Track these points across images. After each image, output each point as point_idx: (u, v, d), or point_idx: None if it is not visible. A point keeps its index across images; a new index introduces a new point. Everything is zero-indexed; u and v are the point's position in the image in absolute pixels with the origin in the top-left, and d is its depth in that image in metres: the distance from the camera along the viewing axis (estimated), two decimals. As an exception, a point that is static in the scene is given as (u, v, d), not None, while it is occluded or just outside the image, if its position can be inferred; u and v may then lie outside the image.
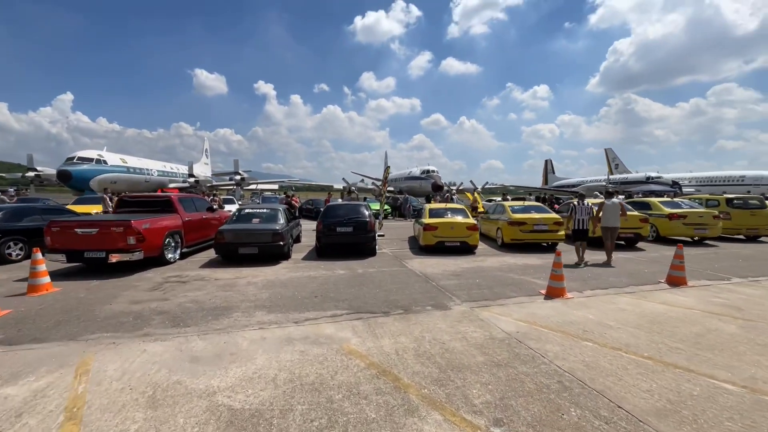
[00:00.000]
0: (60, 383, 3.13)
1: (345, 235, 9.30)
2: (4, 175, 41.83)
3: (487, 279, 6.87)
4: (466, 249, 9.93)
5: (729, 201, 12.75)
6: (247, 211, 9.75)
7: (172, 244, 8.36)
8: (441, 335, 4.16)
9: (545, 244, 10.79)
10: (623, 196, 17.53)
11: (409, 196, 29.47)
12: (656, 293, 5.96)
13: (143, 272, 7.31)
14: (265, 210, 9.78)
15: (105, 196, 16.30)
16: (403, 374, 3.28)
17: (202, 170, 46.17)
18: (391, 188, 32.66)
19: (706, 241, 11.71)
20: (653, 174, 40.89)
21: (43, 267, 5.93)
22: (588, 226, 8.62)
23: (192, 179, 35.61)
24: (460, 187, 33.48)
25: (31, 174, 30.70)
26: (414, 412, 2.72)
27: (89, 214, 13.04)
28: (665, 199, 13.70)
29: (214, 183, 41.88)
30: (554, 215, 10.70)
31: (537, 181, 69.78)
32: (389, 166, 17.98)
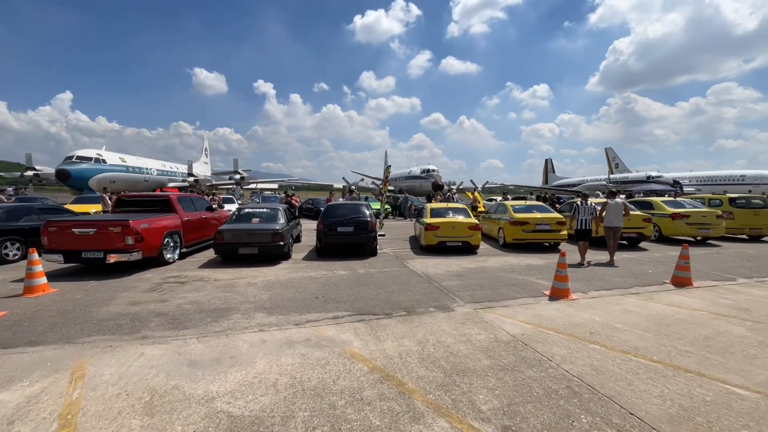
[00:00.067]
0: (54, 388, 3.05)
1: (346, 235, 9.21)
2: (2, 174, 41.68)
3: (490, 280, 6.78)
4: (467, 249, 9.84)
5: (732, 200, 12.68)
6: (246, 210, 9.66)
7: (171, 244, 8.26)
8: (445, 338, 4.08)
9: (547, 244, 10.72)
10: (624, 196, 17.43)
11: (410, 195, 29.38)
12: (662, 294, 5.88)
13: (142, 273, 7.22)
14: (264, 210, 9.68)
15: (104, 195, 16.20)
16: (407, 379, 3.19)
17: (202, 169, 46.08)
18: (391, 187, 32.54)
19: (709, 241, 11.63)
20: (654, 173, 40.84)
21: (39, 268, 5.84)
22: (591, 226, 8.56)
23: (191, 178, 35.53)
24: (461, 187, 33.41)
25: (29, 173, 30.59)
26: (420, 419, 2.64)
27: (88, 213, 12.97)
28: (668, 198, 13.62)
29: (214, 182, 41.78)
30: (557, 215, 10.62)
31: (537, 181, 69.71)
32: (390, 165, 17.90)
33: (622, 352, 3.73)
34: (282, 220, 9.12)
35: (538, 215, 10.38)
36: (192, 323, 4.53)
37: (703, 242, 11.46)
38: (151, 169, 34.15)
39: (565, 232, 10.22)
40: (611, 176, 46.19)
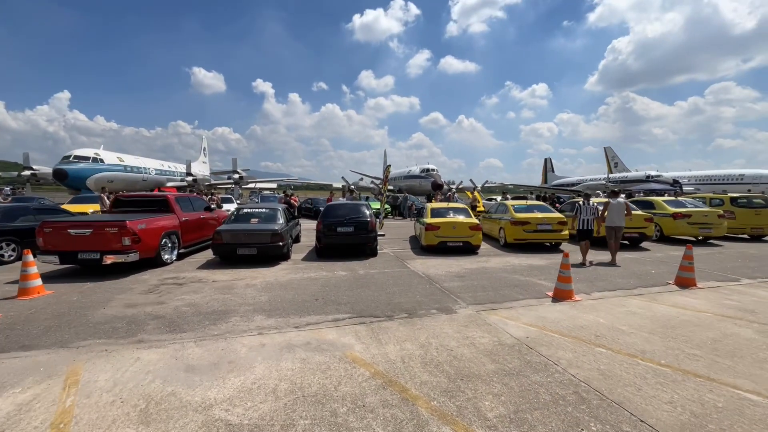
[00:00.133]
0: (47, 395, 2.95)
1: (346, 236, 9.12)
2: (0, 174, 41.47)
3: (491, 280, 6.71)
4: (468, 249, 9.76)
5: (733, 200, 12.63)
6: (245, 210, 9.56)
7: (169, 245, 8.17)
8: (448, 341, 4.00)
9: (548, 244, 10.65)
10: (624, 195, 17.37)
11: (409, 195, 29.29)
12: (666, 295, 5.81)
13: (139, 274, 7.12)
14: (264, 210, 9.59)
15: (102, 195, 16.07)
16: (410, 384, 3.11)
17: (200, 169, 45.92)
18: (391, 187, 32.48)
19: (711, 241, 11.58)
20: (653, 173, 40.84)
21: (34, 269, 5.74)
22: (593, 226, 8.50)
23: (190, 178, 35.37)
24: (460, 186, 33.34)
25: (27, 173, 30.42)
26: (424, 427, 2.55)
27: (85, 213, 12.86)
28: (669, 198, 13.57)
29: (213, 182, 41.62)
30: (558, 215, 10.55)
31: (536, 180, 69.74)
32: (390, 165, 17.79)
33: (629, 355, 3.65)
34: (281, 221, 9.02)
35: (540, 215, 10.31)
36: (190, 326, 4.44)
37: (704, 242, 11.40)
38: (149, 168, 33.98)
39: (566, 232, 10.15)
40: (610, 176, 46.18)
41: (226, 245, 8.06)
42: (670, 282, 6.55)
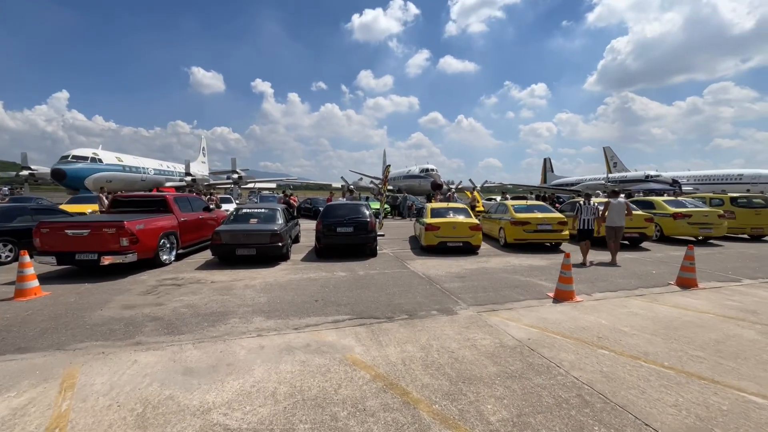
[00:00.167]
0: (43, 399, 2.91)
1: (345, 236, 9.08)
2: (-2, 173, 41.34)
3: (492, 281, 6.67)
4: (468, 249, 9.73)
5: (733, 200, 12.62)
6: (244, 211, 9.51)
7: (168, 246, 8.11)
8: (449, 343, 3.96)
9: (548, 244, 10.62)
10: (623, 195, 17.37)
11: (408, 194, 29.25)
12: (667, 296, 5.78)
13: (137, 275, 7.07)
14: (263, 210, 9.54)
15: (101, 195, 16.00)
16: (411, 387, 3.07)
17: (199, 169, 45.82)
18: (390, 187, 32.44)
19: (711, 241, 11.57)
20: (652, 172, 40.89)
21: (31, 270, 5.68)
22: (593, 226, 8.49)
23: (189, 178, 35.30)
24: (459, 186, 33.32)
25: (25, 173, 30.33)
26: (426, 431, 2.51)
27: (83, 213, 12.79)
28: (669, 198, 13.55)
29: (212, 182, 41.53)
30: (558, 215, 10.52)
31: (535, 180, 69.76)
32: (389, 165, 17.76)
33: (632, 357, 3.62)
34: (280, 221, 8.98)
35: (540, 215, 10.27)
36: (188, 328, 4.39)
37: (704, 242, 11.38)
38: (148, 168, 33.88)
39: (566, 233, 10.12)
40: (610, 175, 46.21)
41: (224, 246, 8.01)
42: (672, 282, 6.52)
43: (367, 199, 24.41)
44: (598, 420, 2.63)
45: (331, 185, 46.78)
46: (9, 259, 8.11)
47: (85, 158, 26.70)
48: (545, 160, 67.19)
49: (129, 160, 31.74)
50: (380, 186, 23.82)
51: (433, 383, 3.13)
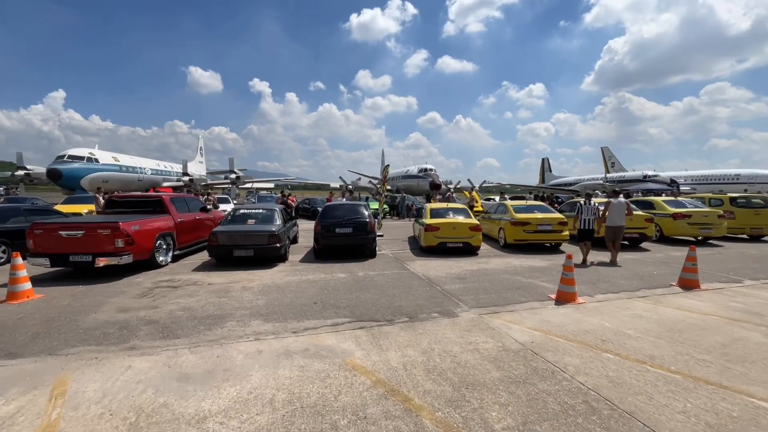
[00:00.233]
0: (32, 407, 2.81)
1: (344, 237, 8.99)
2: (-7, 173, 40.97)
3: (493, 283, 6.60)
4: (468, 250, 9.65)
5: (733, 200, 12.61)
6: (242, 211, 9.40)
7: (164, 247, 8.00)
8: (451, 347, 3.88)
9: (548, 245, 10.56)
10: (623, 195, 17.36)
11: (407, 195, 29.17)
12: (670, 297, 5.72)
13: (133, 276, 6.95)
14: (260, 210, 9.44)
15: (97, 195, 15.84)
16: (413, 393, 2.99)
17: (197, 169, 45.61)
18: (389, 187, 32.36)
19: (710, 241, 11.54)
20: (650, 172, 40.95)
21: (23, 273, 5.56)
22: (594, 226, 8.45)
23: (186, 178, 35.10)
24: (458, 186, 33.28)
25: (20, 173, 30.06)
26: (429, 440, 2.43)
27: (79, 214, 12.66)
28: (669, 198, 13.53)
29: (209, 182, 41.32)
30: (558, 215, 10.46)
31: (532, 180, 69.82)
32: (388, 165, 17.67)
33: (638, 361, 3.55)
34: (278, 222, 8.88)
35: (540, 215, 10.22)
36: (184, 332, 4.30)
37: (704, 242, 11.35)
38: (145, 168, 33.66)
39: (567, 233, 10.07)
40: (608, 175, 46.26)
41: (222, 247, 7.91)
42: (674, 284, 6.46)
43: (366, 199, 24.31)
44: (605, 428, 2.55)
45: (329, 185, 46.65)
46: (1, 260, 7.97)
47: (81, 158, 26.45)
48: (543, 160, 67.23)
49: (126, 160, 31.50)
50: (379, 186, 23.73)
51: (435, 389, 3.05)
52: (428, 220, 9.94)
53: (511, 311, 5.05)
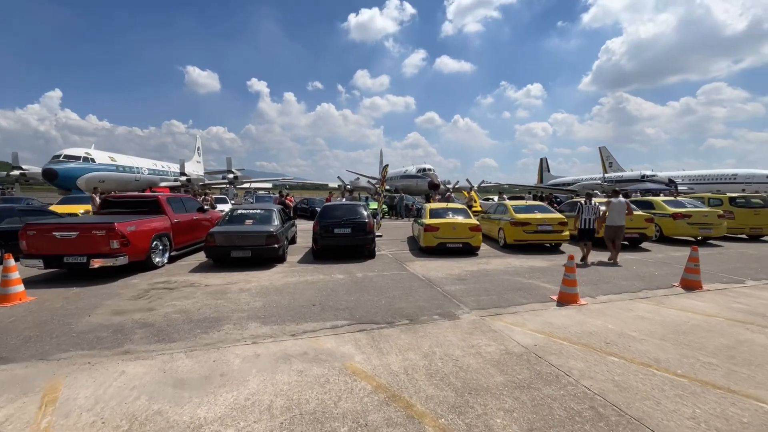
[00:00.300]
0: (21, 415, 2.71)
1: (343, 237, 8.91)
2: (-12, 173, 40.59)
3: (494, 283, 6.53)
4: (467, 251, 9.58)
5: (732, 200, 12.60)
6: (239, 211, 9.30)
7: (160, 248, 7.89)
8: (453, 350, 3.80)
9: (548, 245, 10.50)
10: (622, 195, 17.34)
11: (405, 195, 29.09)
12: (673, 298, 5.67)
13: (128, 278, 6.85)
14: (258, 210, 9.34)
15: (94, 195, 15.68)
16: (415, 399, 2.91)
17: (195, 168, 45.35)
18: (388, 187, 32.27)
19: (710, 241, 11.52)
20: (648, 172, 41.03)
21: (15, 275, 5.45)
22: (595, 226, 8.41)
23: (184, 178, 34.88)
24: (456, 186, 33.23)
25: (16, 172, 29.81)
26: (432, 449, 2.36)
27: (75, 214, 12.51)
28: (668, 198, 13.51)
29: (207, 182, 41.10)
30: (558, 215, 10.41)
31: (530, 180, 69.92)
32: (387, 165, 17.58)
33: (643, 364, 3.48)
34: (276, 222, 8.79)
35: (540, 216, 10.16)
36: (180, 335, 4.20)
37: (703, 242, 11.32)
38: (142, 168, 33.42)
39: (567, 233, 10.02)
40: (606, 175, 46.34)
41: (219, 248, 7.80)
42: (675, 284, 6.41)
43: (366, 199, 24.20)
44: (614, 435, 2.48)
45: (327, 185, 46.51)
46: (-5, 262, 7.84)
47: (77, 158, 26.21)
48: (542, 159, 67.28)
49: (122, 159, 31.26)
50: (378, 186, 23.63)
51: (438, 395, 2.97)
52: (428, 221, 9.87)
53: (513, 313, 4.98)
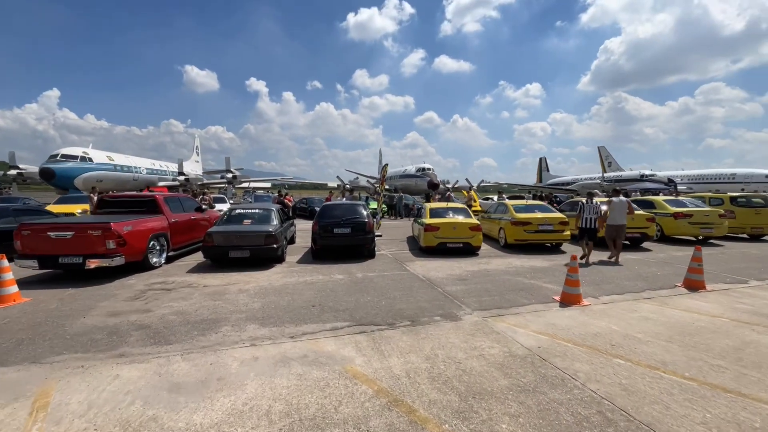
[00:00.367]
0: (11, 422, 2.63)
1: (343, 237, 8.82)
2: (-15, 173, 40.33)
3: (495, 284, 6.45)
4: (468, 250, 9.50)
5: (733, 199, 12.55)
6: (238, 211, 9.20)
7: (157, 248, 7.79)
8: (455, 352, 3.73)
9: (549, 245, 10.44)
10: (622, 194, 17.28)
11: (405, 194, 29.01)
12: (676, 299, 5.60)
13: (125, 278, 6.75)
14: (257, 210, 9.24)
15: (92, 195, 15.55)
16: (418, 404, 2.83)
17: (193, 168, 45.19)
18: (387, 186, 32.19)
19: (711, 241, 11.47)
20: (647, 172, 41.04)
21: (9, 275, 5.35)
22: (596, 225, 8.35)
23: (182, 177, 34.73)
24: (456, 185, 33.16)
25: (13, 172, 29.62)
26: (436, 456, 2.28)
27: (72, 214, 12.40)
28: (669, 197, 13.45)
29: (205, 181, 40.94)
30: (559, 215, 10.34)
31: (529, 179, 69.91)
32: (387, 164, 17.47)
33: (650, 367, 3.41)
34: (275, 222, 8.69)
35: (541, 215, 10.09)
36: (176, 337, 4.12)
37: (704, 242, 11.27)
38: (140, 167, 33.25)
39: (568, 233, 9.95)
40: (605, 175, 46.33)
41: (217, 248, 7.71)
42: (678, 284, 6.34)
43: (366, 199, 24.09)
44: (623, 441, 2.41)
45: (326, 184, 46.38)
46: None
47: (74, 157, 26.05)
48: (541, 159, 67.24)
49: (120, 159, 31.09)
50: (377, 186, 23.54)
51: (441, 399, 2.90)
52: (428, 220, 9.79)
53: (515, 314, 4.91)
